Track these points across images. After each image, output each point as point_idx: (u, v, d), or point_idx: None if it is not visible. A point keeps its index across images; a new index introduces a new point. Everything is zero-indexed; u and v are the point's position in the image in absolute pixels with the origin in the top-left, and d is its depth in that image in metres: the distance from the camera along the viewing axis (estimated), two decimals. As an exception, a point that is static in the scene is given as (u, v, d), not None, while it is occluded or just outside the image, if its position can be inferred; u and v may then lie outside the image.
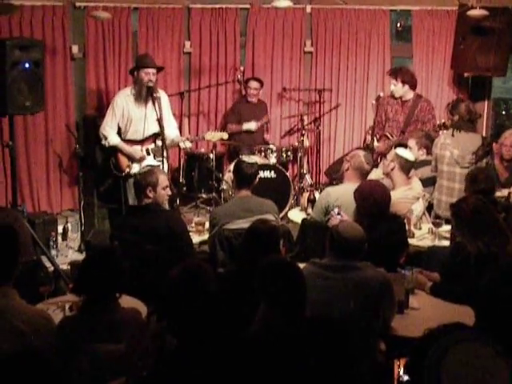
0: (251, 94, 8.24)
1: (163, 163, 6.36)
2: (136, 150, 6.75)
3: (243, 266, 4.15)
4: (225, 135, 7.26)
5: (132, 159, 6.76)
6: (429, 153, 6.69)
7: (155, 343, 3.02)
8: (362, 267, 3.83)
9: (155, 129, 6.57)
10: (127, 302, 3.80)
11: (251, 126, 8.15)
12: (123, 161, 6.77)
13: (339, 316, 3.53)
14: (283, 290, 3.16)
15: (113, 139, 6.75)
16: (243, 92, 8.37)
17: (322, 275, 3.78)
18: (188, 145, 7.08)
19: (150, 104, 6.60)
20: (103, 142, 6.80)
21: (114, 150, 6.79)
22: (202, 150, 8.20)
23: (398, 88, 7.47)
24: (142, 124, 6.69)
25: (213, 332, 2.88)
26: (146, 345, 3.21)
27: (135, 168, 6.70)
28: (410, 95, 7.53)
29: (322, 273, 3.80)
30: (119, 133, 6.81)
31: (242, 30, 8.58)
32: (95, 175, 7.31)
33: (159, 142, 6.58)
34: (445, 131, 6.60)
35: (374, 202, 4.82)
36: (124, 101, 6.73)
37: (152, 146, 6.78)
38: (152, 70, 6.63)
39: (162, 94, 6.74)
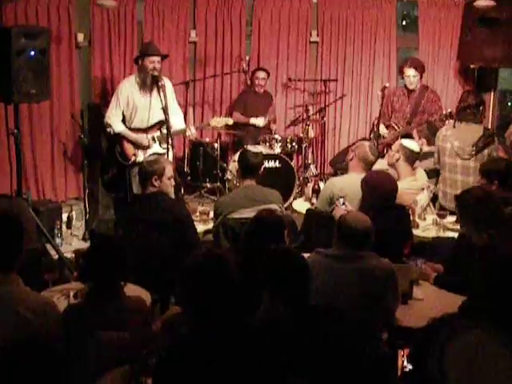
0: (258, 85, 8.22)
1: (168, 151, 6.36)
2: (142, 137, 6.74)
3: (247, 254, 4.16)
4: (230, 121, 7.25)
5: (138, 147, 6.75)
6: (430, 144, 6.69)
7: (166, 331, 3.02)
8: (367, 257, 3.83)
9: (160, 117, 6.54)
10: (132, 290, 3.81)
11: (259, 122, 8.13)
12: (129, 149, 6.76)
13: (344, 305, 3.53)
14: (288, 280, 3.17)
15: (117, 127, 6.73)
16: (248, 82, 8.35)
17: (327, 265, 3.78)
18: (193, 131, 7.04)
19: (154, 92, 6.58)
20: (108, 130, 6.77)
21: (120, 138, 6.78)
22: (207, 140, 8.20)
23: (417, 79, 7.47)
24: (146, 112, 6.68)
25: (225, 320, 2.88)
26: (150, 333, 3.22)
27: (140, 156, 6.69)
28: (417, 85, 7.53)
29: (327, 262, 3.81)
30: (124, 121, 6.79)
31: (248, 20, 8.57)
32: (100, 163, 7.30)
33: (164, 130, 6.56)
34: (447, 122, 6.58)
35: (381, 193, 4.82)
36: (128, 89, 6.70)
37: (157, 133, 6.76)
38: (157, 58, 6.60)
39: (166, 82, 6.68)
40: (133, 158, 6.74)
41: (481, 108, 6.36)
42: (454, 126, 6.25)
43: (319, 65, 8.80)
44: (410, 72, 7.50)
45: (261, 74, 8.22)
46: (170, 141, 6.31)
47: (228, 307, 2.90)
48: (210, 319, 2.84)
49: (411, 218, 5.26)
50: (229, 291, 2.92)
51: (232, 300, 2.92)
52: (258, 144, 7.85)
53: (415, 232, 5.27)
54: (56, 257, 5.41)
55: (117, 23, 8.00)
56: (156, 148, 6.73)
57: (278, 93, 8.76)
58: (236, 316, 2.94)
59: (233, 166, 7.46)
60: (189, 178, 8.09)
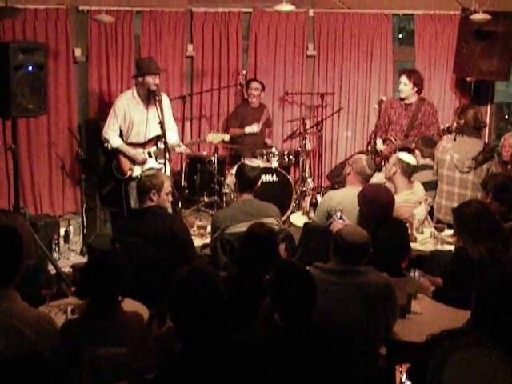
0: (252, 95, 8.22)
1: (165, 166, 6.36)
2: (138, 152, 6.74)
3: (242, 269, 4.17)
4: (226, 137, 7.23)
5: (134, 162, 6.75)
6: (424, 156, 6.69)
7: (161, 347, 3.02)
8: (366, 272, 3.82)
9: (157, 131, 6.55)
10: (129, 305, 3.80)
11: (253, 128, 8.15)
12: (125, 164, 6.77)
13: (341, 320, 3.53)
14: (293, 294, 3.17)
15: (115, 142, 6.74)
16: (245, 96, 8.37)
17: (325, 279, 3.77)
18: (182, 149, 7.04)
19: (151, 107, 6.60)
20: (105, 145, 6.79)
21: (116, 153, 6.79)
22: (204, 154, 8.19)
23: (408, 88, 7.49)
24: (143, 127, 6.69)
25: (217, 335, 2.88)
26: (147, 348, 3.21)
27: (137, 171, 6.70)
28: (413, 98, 7.56)
29: (325, 277, 3.80)
30: (121, 136, 6.80)
31: (245, 34, 8.59)
32: (97, 178, 7.29)
33: (161, 145, 6.55)
34: (448, 135, 6.60)
35: (378, 206, 4.83)
36: (126, 104, 6.72)
37: (154, 148, 6.77)
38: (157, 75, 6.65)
39: (164, 97, 6.73)
40: (129, 173, 6.75)
41: (480, 121, 6.39)
42: (455, 139, 6.26)
43: (316, 78, 8.82)
44: (401, 79, 7.55)
45: (254, 85, 8.22)
46: (167, 155, 6.31)
47: (216, 321, 2.91)
48: (200, 334, 2.85)
49: (409, 231, 5.25)
50: (215, 305, 2.93)
51: (220, 314, 2.93)
52: (256, 158, 7.86)
53: (413, 245, 5.26)
54: (54, 271, 5.41)
55: (114, 38, 8.02)
56: (152, 163, 6.74)
57: (275, 106, 8.77)
58: (227, 330, 2.95)
59: (230, 179, 7.45)
60: (186, 192, 8.08)
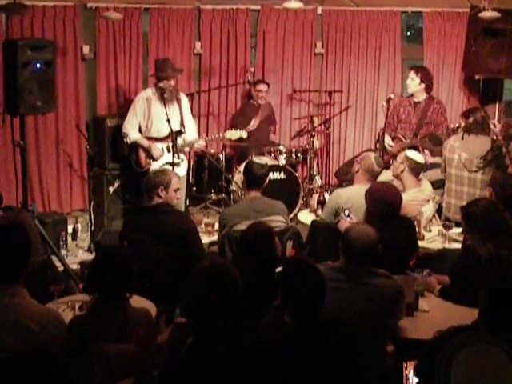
0: (258, 97, 8.22)
1: (182, 162, 6.47)
2: (154, 147, 6.87)
3: (240, 266, 4.18)
4: (244, 134, 7.23)
5: (151, 156, 6.87)
6: (433, 155, 6.67)
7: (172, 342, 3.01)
8: (373, 272, 3.82)
9: (176, 128, 6.70)
10: (137, 301, 3.81)
11: (252, 125, 8.08)
12: (143, 157, 6.95)
13: (349, 319, 3.52)
14: (303, 292, 3.17)
15: (133, 135, 6.92)
16: (253, 94, 8.34)
17: (335, 278, 3.76)
18: (202, 143, 7.20)
19: (171, 104, 6.75)
20: (125, 139, 6.98)
21: (136, 147, 6.95)
22: (212, 151, 8.20)
23: (415, 83, 7.48)
24: (163, 123, 6.75)
25: (231, 332, 2.87)
26: (155, 345, 3.21)
27: (155, 165, 6.79)
28: (422, 96, 7.54)
29: (335, 275, 3.79)
30: (140, 131, 6.98)
31: (253, 31, 8.58)
32: (119, 172, 7.36)
33: (180, 140, 6.74)
34: (456, 134, 6.57)
35: (385, 204, 4.81)
36: (145, 100, 6.90)
37: (171, 143, 6.82)
38: None
39: (182, 97, 6.98)
40: (147, 166, 6.82)
41: (487, 122, 6.36)
42: (463, 138, 6.23)
43: (324, 76, 8.81)
44: (409, 74, 7.56)
45: (261, 87, 8.20)
46: (176, 151, 6.43)
47: (231, 318, 2.90)
48: (214, 330, 2.84)
49: (417, 229, 5.25)
50: (233, 301, 2.92)
51: (236, 310, 2.93)
52: (263, 155, 7.85)
53: (421, 243, 5.25)
54: (61, 268, 5.42)
55: (122, 35, 8.02)
56: (169, 158, 6.77)
57: (283, 104, 8.77)
58: (238, 328, 2.95)
59: (238, 177, 7.46)
60: (194, 189, 8.10)
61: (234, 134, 7.19)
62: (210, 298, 2.87)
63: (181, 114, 6.78)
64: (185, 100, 7.03)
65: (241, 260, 4.24)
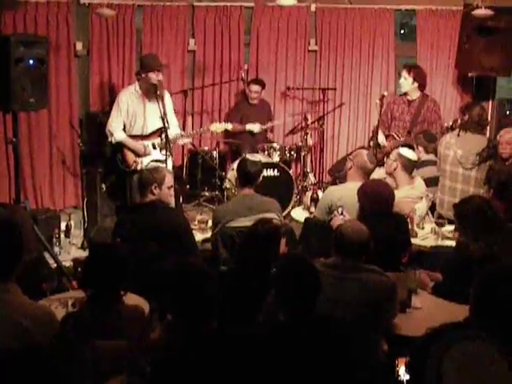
0: (252, 97, 8.22)
1: (167, 159, 6.38)
2: (140, 145, 6.79)
3: (243, 265, 4.18)
4: (229, 126, 7.21)
5: (138, 154, 6.78)
6: (428, 152, 6.68)
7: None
8: (366, 269, 3.83)
9: (159, 125, 6.58)
10: (130, 299, 3.80)
11: (254, 127, 8.11)
12: (130, 156, 6.81)
13: (342, 315, 3.53)
14: (298, 289, 3.17)
15: (118, 135, 6.78)
16: (247, 91, 8.34)
17: (328, 274, 3.77)
18: (185, 140, 7.16)
19: (153, 101, 6.61)
20: (109, 138, 6.83)
21: (121, 146, 6.83)
22: (206, 148, 8.19)
23: (408, 82, 7.50)
24: (145, 120, 6.71)
25: (215, 329, 2.88)
26: (148, 341, 3.21)
27: (142, 163, 6.73)
28: (416, 95, 7.55)
29: (329, 272, 3.80)
30: (124, 129, 6.84)
31: (247, 29, 8.58)
32: (103, 171, 7.29)
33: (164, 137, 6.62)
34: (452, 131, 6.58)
35: (377, 201, 4.82)
36: (129, 98, 6.77)
37: (158, 140, 6.79)
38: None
39: (165, 94, 6.85)
40: (134, 165, 6.77)
41: (485, 119, 6.37)
42: (459, 135, 6.24)
43: (318, 73, 8.81)
44: (402, 74, 7.59)
45: (254, 88, 8.19)
46: (168, 148, 6.34)
47: (214, 315, 2.92)
48: (199, 327, 2.85)
49: (410, 226, 5.25)
50: (211, 298, 2.94)
51: (214, 307, 2.95)
52: (257, 152, 7.85)
53: (414, 241, 5.26)
54: (54, 265, 5.41)
55: (115, 32, 8.01)
56: (156, 155, 6.74)
57: (276, 101, 8.76)
58: (225, 325, 2.95)
59: (231, 174, 7.46)
60: (187, 186, 8.09)
61: (218, 127, 7.17)
62: (186, 296, 2.92)
63: (164, 110, 6.56)
64: (168, 98, 6.92)
65: (243, 254, 4.25)
